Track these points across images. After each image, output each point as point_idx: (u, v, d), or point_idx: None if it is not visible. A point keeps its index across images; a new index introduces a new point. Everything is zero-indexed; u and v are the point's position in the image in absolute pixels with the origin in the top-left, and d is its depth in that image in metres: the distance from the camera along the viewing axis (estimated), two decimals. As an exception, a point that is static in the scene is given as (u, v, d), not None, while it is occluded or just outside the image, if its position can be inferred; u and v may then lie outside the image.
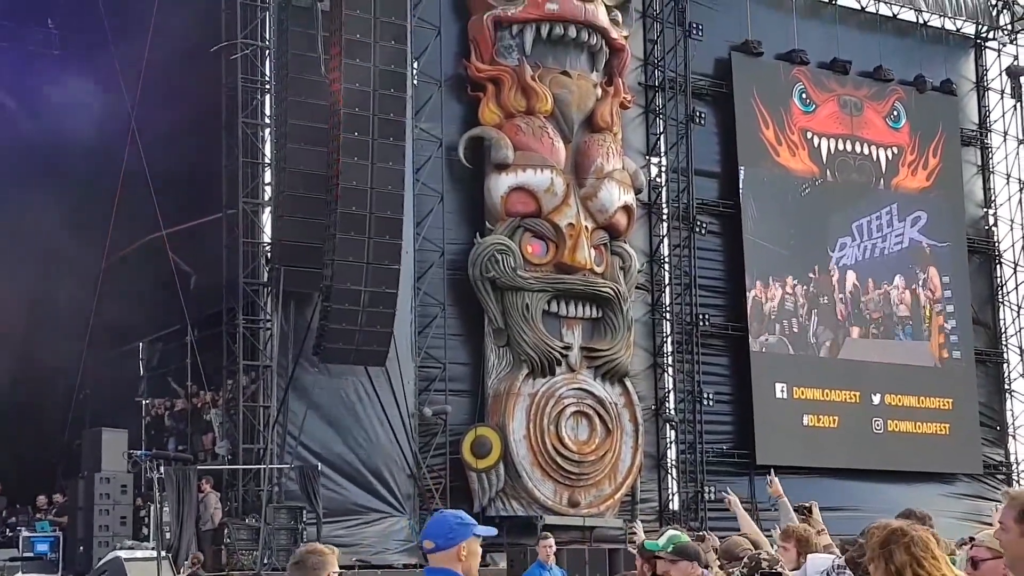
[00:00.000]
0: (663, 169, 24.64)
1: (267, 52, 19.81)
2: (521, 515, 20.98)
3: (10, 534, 19.48)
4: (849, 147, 27.07)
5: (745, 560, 6.31)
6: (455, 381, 21.21)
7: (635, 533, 8.65)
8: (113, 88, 19.35)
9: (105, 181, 20.30)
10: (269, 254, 19.63)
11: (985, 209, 29.59)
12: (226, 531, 18.48)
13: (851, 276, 26.58)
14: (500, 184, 21.51)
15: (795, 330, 25.71)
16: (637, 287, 23.25)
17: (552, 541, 13.33)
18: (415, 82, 20.91)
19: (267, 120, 19.80)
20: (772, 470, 6.90)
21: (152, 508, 17.83)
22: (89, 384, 21.84)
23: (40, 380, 22.38)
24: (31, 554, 17.30)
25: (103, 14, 20.10)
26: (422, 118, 21.03)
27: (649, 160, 24.55)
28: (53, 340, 22.02)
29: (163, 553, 15.04)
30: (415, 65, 20.89)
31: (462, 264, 21.33)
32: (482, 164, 21.77)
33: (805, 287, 25.96)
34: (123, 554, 15.67)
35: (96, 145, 18.97)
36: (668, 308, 24.11)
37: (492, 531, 4.72)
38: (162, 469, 17.89)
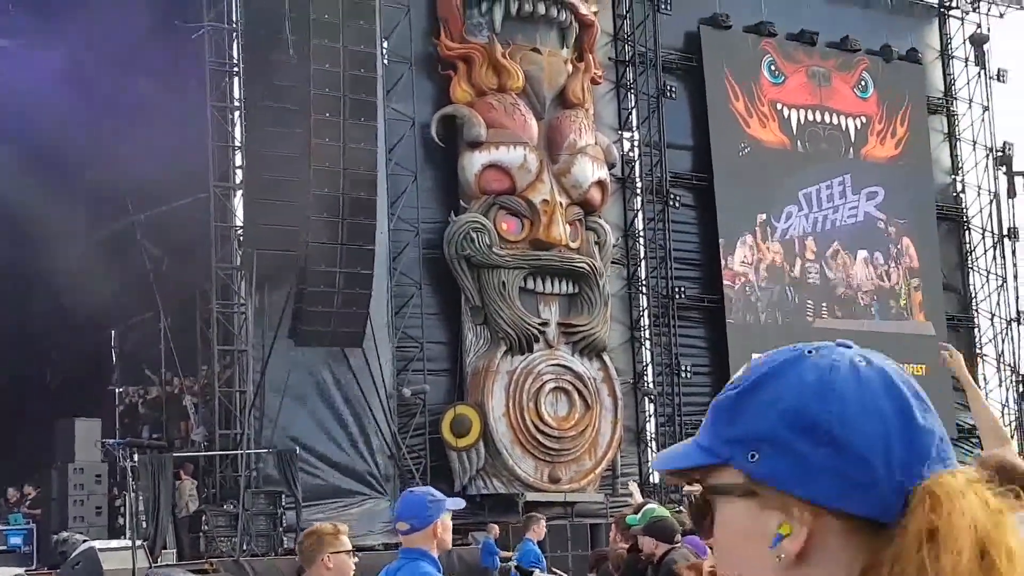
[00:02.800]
0: (635, 143, 24.60)
1: (235, 34, 19.56)
2: (502, 492, 20.93)
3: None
4: (818, 117, 27.11)
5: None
6: (433, 360, 21.10)
7: (631, 495, 8.60)
8: (82, 75, 19.04)
9: (72, 167, 19.99)
10: (242, 238, 19.44)
11: (953, 176, 29.74)
12: (204, 518, 18.34)
13: (810, 244, 26.60)
14: (473, 162, 21.40)
15: (773, 299, 25.76)
16: (613, 262, 23.23)
17: (544, 521, 13.37)
18: (385, 62, 20.75)
19: (236, 103, 19.58)
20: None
21: (127, 497, 17.69)
22: (61, 373, 21.59)
23: (13, 369, 22.12)
24: (4, 547, 17.07)
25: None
26: (393, 98, 20.85)
27: (621, 135, 24.49)
28: (28, 331, 21.82)
29: (138, 542, 14.86)
30: (384, 45, 20.73)
31: (437, 243, 21.20)
32: (455, 142, 21.64)
33: (775, 256, 25.98)
34: (98, 544, 15.48)
35: (63, 129, 18.65)
36: (644, 282, 24.09)
37: (461, 503, 4.73)
38: (136, 457, 17.75)
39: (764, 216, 25.87)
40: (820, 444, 1.19)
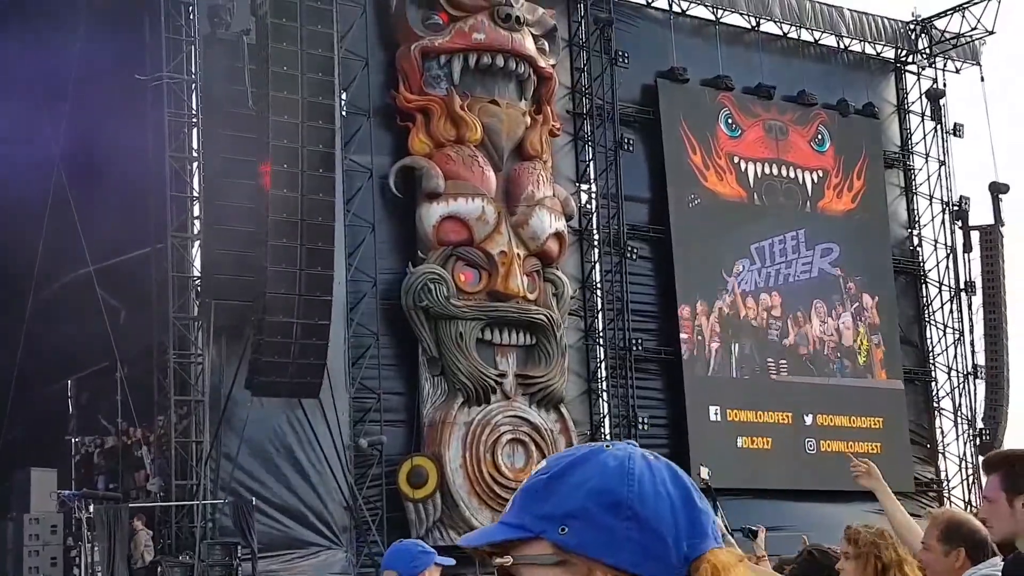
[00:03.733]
0: (593, 196, 24.80)
1: (193, 85, 19.72)
2: (459, 544, 20.86)
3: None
4: (775, 171, 27.44)
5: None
6: (390, 411, 21.12)
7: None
8: (37, 120, 19.14)
9: (30, 215, 20.02)
10: (200, 288, 19.50)
11: (909, 230, 30.11)
12: (160, 569, 18.26)
13: (770, 300, 26.83)
14: (432, 213, 21.55)
15: (732, 352, 25.94)
16: (570, 313, 23.36)
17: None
18: (344, 113, 20.95)
19: (194, 154, 19.70)
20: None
21: (82, 548, 17.59)
22: (18, 423, 21.48)
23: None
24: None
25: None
26: (352, 149, 21.03)
27: (579, 187, 24.71)
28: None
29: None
30: (343, 96, 20.93)
31: (395, 294, 21.29)
32: (413, 194, 21.80)
33: (732, 310, 26.20)
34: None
35: (20, 176, 18.72)
36: (601, 334, 24.22)
37: (451, 561, 4.69)
38: (91, 508, 17.66)
39: (720, 270, 26.11)
40: (624, 519, 1.44)
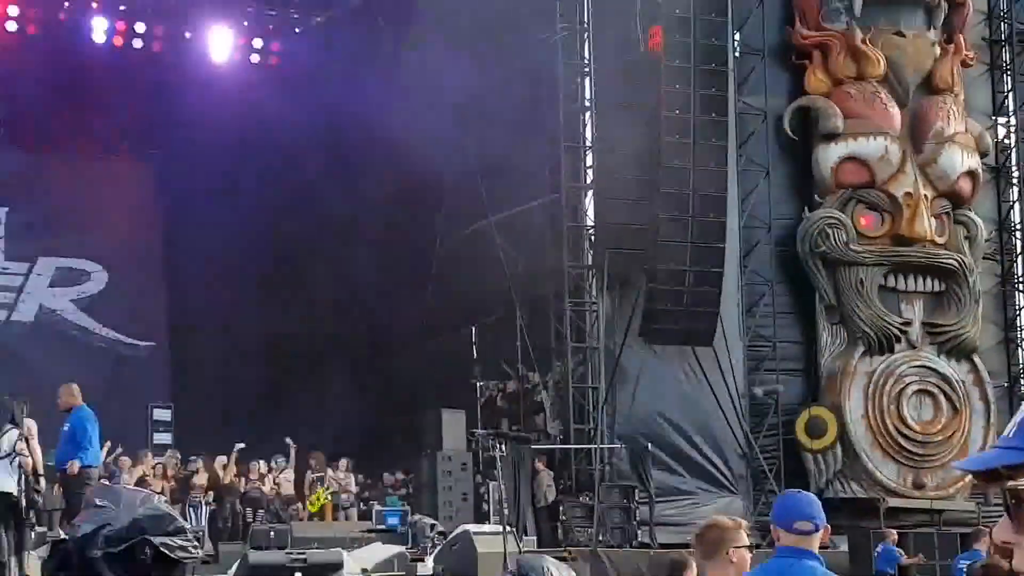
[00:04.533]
0: (1012, 129, 22.93)
1: (585, 35, 19.88)
2: (861, 497, 20.19)
3: (364, 507, 20.62)
4: None
5: None
6: (786, 360, 20.62)
7: None
8: (437, 78, 19.95)
9: (432, 171, 21.01)
10: (593, 237, 19.78)
11: None
12: (561, 508, 18.83)
13: None
14: (830, 155, 20.69)
15: None
16: (984, 257, 21.81)
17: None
18: (737, 54, 20.45)
19: (587, 103, 19.90)
20: None
21: (492, 485, 18.36)
22: (428, 367, 22.77)
23: (384, 363, 23.62)
24: (383, 527, 18.14)
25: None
26: (745, 91, 20.51)
27: (996, 120, 22.88)
28: (394, 325, 23.18)
29: (508, 528, 15.43)
30: (736, 36, 20.41)
31: (790, 240, 20.65)
32: (810, 135, 20.99)
33: None
34: (472, 528, 16.18)
35: (421, 135, 19.64)
36: (1020, 279, 22.50)
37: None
38: (502, 448, 18.42)
39: None
40: None
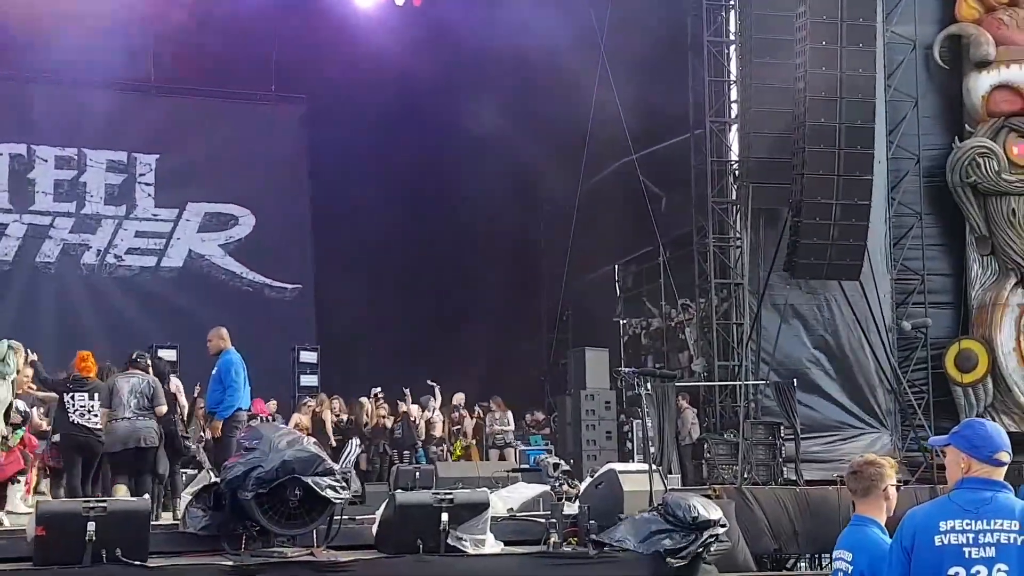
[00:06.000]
0: None
1: (728, -33, 19.67)
2: (1013, 431, 19.83)
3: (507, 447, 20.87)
4: None
5: None
6: (934, 293, 20.29)
7: None
8: (583, 17, 19.91)
9: (576, 109, 21.03)
10: (737, 172, 19.65)
11: None
12: (705, 446, 18.85)
13: None
14: (981, 83, 20.17)
15: None
16: None
17: None
18: (884, -18, 20.02)
19: (732, 37, 19.70)
20: None
21: (637, 423, 18.44)
22: (571, 306, 22.89)
23: (525, 301, 23.82)
24: (527, 466, 18.37)
25: None
26: (893, 20, 20.07)
27: None
28: (538, 264, 23.32)
29: (654, 466, 15.53)
30: (884, -36, 19.98)
31: (940, 171, 20.25)
32: (960, 64, 20.49)
33: None
34: (617, 466, 16.28)
35: (563, 73, 19.66)
36: None
37: None
38: (647, 386, 18.46)
39: None
40: None
